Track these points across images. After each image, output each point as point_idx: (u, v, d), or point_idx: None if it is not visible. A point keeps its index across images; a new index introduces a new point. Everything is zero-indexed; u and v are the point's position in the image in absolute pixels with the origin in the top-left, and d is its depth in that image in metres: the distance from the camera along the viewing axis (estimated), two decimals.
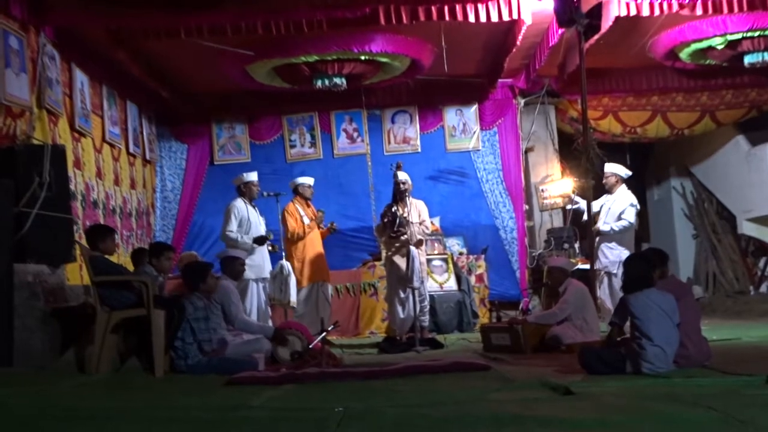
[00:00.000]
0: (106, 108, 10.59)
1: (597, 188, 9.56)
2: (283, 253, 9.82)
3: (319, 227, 10.11)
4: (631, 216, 9.53)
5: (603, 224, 9.61)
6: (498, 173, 13.22)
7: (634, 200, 9.66)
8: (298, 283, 9.93)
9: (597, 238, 9.57)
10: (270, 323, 9.13)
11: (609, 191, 9.87)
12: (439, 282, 11.55)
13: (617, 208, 9.67)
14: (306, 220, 9.95)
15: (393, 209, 9.18)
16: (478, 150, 13.29)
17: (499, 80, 12.77)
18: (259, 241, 9.41)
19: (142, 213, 12.16)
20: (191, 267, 7.70)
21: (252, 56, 10.40)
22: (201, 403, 5.27)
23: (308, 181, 10.27)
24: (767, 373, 5.05)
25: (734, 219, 15.39)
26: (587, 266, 9.74)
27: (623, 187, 9.75)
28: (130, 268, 8.39)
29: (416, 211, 9.34)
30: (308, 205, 10.17)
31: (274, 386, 5.86)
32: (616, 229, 9.54)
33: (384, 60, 10.72)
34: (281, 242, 9.87)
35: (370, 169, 13.11)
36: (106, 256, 7.29)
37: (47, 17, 8.41)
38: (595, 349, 6.31)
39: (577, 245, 12.43)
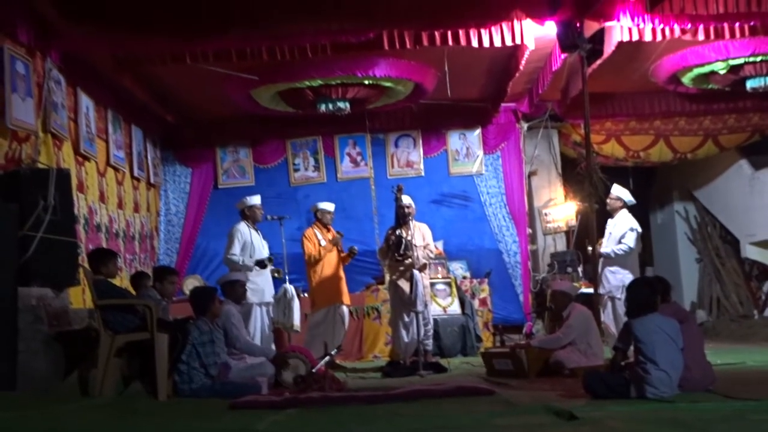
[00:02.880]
0: (111, 132, 10.64)
1: (600, 212, 9.57)
2: (287, 277, 9.83)
3: (338, 251, 10.15)
4: (631, 240, 9.54)
5: (604, 248, 9.61)
6: (501, 197, 13.25)
7: (635, 224, 9.66)
8: (314, 305, 9.97)
9: (600, 262, 9.56)
10: (273, 347, 9.12)
11: (611, 214, 9.89)
12: (443, 306, 11.54)
13: (618, 232, 9.67)
14: (324, 244, 10.02)
15: (398, 232, 9.19)
16: (482, 174, 13.33)
17: (502, 104, 12.85)
18: (261, 264, 9.42)
19: (146, 236, 12.18)
20: (199, 291, 7.71)
21: (256, 81, 10.47)
22: (204, 427, 5.27)
23: (328, 207, 10.35)
24: None
25: (738, 243, 15.37)
26: (591, 290, 9.72)
27: (624, 212, 9.77)
28: (132, 292, 8.39)
29: (420, 234, 9.35)
30: (328, 230, 10.23)
31: (277, 410, 5.85)
32: (617, 252, 9.54)
33: (387, 84, 10.78)
34: (284, 266, 9.88)
35: (373, 192, 13.15)
36: (110, 280, 7.30)
37: (53, 43, 8.48)
38: (599, 374, 6.30)
39: (580, 269, 12.42)
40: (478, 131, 13.35)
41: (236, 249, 9.37)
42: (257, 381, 7.04)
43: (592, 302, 9.02)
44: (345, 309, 10.17)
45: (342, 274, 10.23)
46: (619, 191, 9.83)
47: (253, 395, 6.58)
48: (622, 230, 9.64)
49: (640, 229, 9.75)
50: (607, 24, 8.77)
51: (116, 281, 7.73)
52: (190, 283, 11.42)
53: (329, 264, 10.06)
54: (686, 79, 11.26)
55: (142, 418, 5.83)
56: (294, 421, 5.45)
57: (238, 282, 8.17)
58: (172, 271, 8.77)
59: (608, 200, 9.77)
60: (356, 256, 10.44)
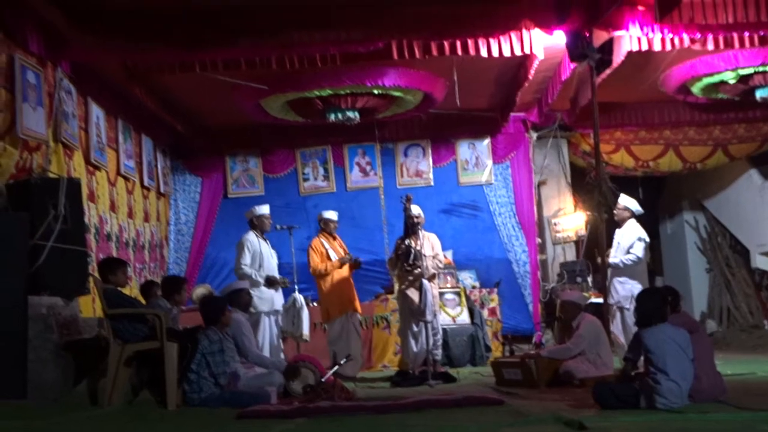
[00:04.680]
0: (121, 141, 10.68)
1: (609, 222, 9.56)
2: (296, 287, 9.84)
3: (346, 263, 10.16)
4: (639, 250, 9.52)
5: (612, 257, 9.59)
6: (510, 207, 13.25)
7: (643, 234, 9.65)
8: (328, 315, 9.97)
9: (609, 272, 9.54)
10: (282, 357, 9.13)
11: (618, 224, 9.87)
12: (452, 315, 11.53)
13: (626, 242, 9.65)
14: (332, 254, 10.01)
15: (407, 242, 9.19)
16: (491, 183, 13.34)
17: (512, 114, 12.86)
18: (270, 282, 9.43)
19: (156, 246, 12.21)
20: (210, 301, 7.72)
21: (266, 90, 10.49)
22: None
23: (332, 215, 10.32)
24: None
25: (748, 253, 15.34)
26: (600, 300, 9.70)
27: (632, 221, 9.76)
28: (142, 301, 8.41)
29: (429, 244, 9.34)
30: (334, 238, 10.23)
31: (286, 420, 5.85)
32: (626, 262, 9.52)
33: (397, 94, 10.79)
34: (293, 275, 9.88)
35: (383, 202, 13.16)
36: (119, 289, 7.32)
37: (64, 53, 8.53)
38: (609, 384, 6.28)
39: (590, 279, 12.39)
40: (487, 141, 13.36)
41: (247, 259, 9.39)
42: (266, 390, 7.03)
43: (602, 312, 9.00)
44: (358, 317, 10.18)
45: (352, 282, 10.23)
46: (626, 201, 9.82)
47: (263, 405, 6.57)
48: (630, 240, 9.62)
49: (648, 239, 9.74)
50: (617, 33, 8.77)
51: (126, 290, 7.75)
52: (200, 292, 11.43)
53: (339, 273, 10.06)
54: (696, 89, 11.25)
55: (151, 428, 5.85)
56: (303, 431, 5.45)
57: (243, 290, 8.21)
58: (184, 280, 8.81)
59: (616, 210, 9.75)
60: (363, 266, 10.48)
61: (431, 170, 13.39)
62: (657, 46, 8.99)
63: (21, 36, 7.69)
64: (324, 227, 10.25)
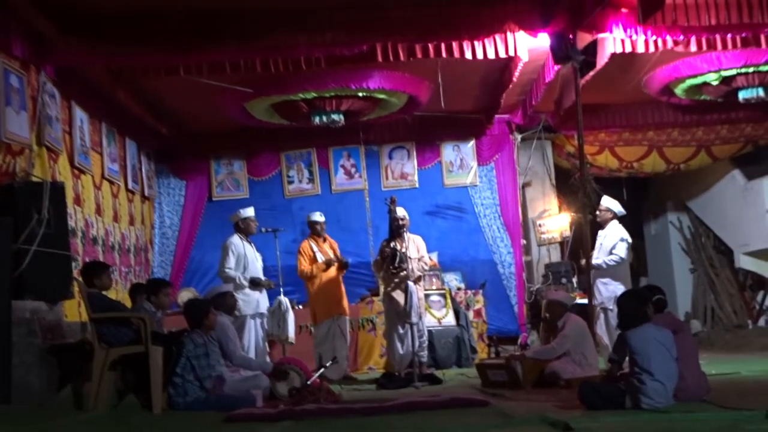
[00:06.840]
0: (106, 145, 10.64)
1: (593, 223, 9.59)
2: (281, 289, 9.82)
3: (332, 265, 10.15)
4: (622, 251, 9.56)
5: (595, 258, 9.62)
6: (495, 208, 13.27)
7: (625, 235, 9.68)
8: (315, 318, 9.96)
9: (592, 273, 9.57)
10: (268, 359, 9.11)
11: (601, 225, 9.91)
12: (438, 317, 11.53)
13: (608, 242, 9.69)
14: (319, 256, 10.01)
15: (392, 244, 9.19)
16: (476, 185, 13.36)
17: (496, 116, 12.90)
18: (255, 284, 9.42)
19: (141, 249, 12.16)
20: (193, 304, 7.70)
21: (250, 93, 10.48)
22: None
23: (316, 217, 10.34)
24: (767, 408, 5.03)
25: (731, 253, 15.40)
26: (585, 301, 9.73)
27: (614, 222, 9.79)
28: (129, 304, 8.38)
29: (414, 247, 9.35)
30: (324, 240, 10.24)
31: (272, 423, 5.85)
32: (609, 263, 9.55)
33: (381, 96, 10.80)
34: (278, 278, 9.87)
35: (368, 204, 13.16)
36: (104, 293, 7.29)
37: (48, 56, 8.48)
38: (595, 385, 6.30)
39: (575, 280, 12.42)
40: (472, 143, 13.39)
41: (231, 262, 9.37)
42: (252, 393, 7.02)
43: (587, 313, 9.02)
44: (346, 320, 10.16)
45: (341, 284, 10.23)
46: (608, 202, 9.86)
47: (248, 408, 6.57)
48: (612, 241, 9.66)
49: (630, 240, 9.76)
50: (600, 36, 8.80)
51: (111, 294, 7.72)
52: (185, 296, 11.41)
53: (327, 275, 10.07)
54: (679, 90, 11.30)
55: None
56: None
57: (227, 293, 8.19)
58: (167, 283, 8.77)
59: (598, 212, 9.79)
60: (350, 268, 10.48)
61: (416, 172, 13.40)
62: (640, 48, 9.02)
63: (4, 40, 7.64)
64: (311, 230, 10.27)
